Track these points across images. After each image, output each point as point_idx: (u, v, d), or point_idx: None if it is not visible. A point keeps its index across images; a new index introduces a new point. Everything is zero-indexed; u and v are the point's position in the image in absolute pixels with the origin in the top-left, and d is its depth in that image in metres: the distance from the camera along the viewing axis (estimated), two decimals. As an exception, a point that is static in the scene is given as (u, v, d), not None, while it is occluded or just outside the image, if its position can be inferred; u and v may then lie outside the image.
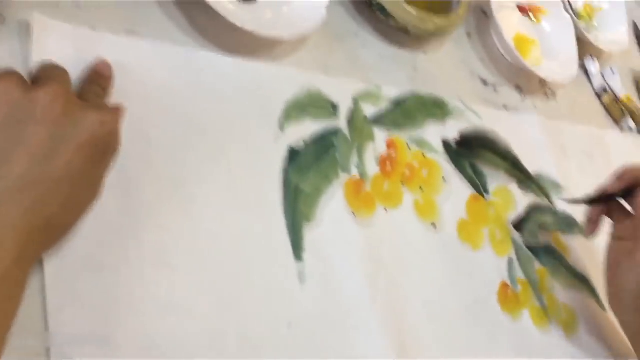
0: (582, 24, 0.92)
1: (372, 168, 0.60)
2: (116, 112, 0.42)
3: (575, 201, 0.66)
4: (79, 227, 0.41)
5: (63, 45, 0.45)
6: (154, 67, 0.50)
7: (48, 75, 0.40)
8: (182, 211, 0.46)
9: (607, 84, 0.96)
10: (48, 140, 0.36)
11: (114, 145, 0.41)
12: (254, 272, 0.48)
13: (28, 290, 0.38)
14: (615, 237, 0.62)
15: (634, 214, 0.60)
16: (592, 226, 0.63)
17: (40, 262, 0.39)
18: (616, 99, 0.95)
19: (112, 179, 0.43)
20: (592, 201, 0.64)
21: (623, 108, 0.95)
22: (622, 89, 0.97)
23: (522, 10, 0.86)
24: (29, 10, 0.44)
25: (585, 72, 0.95)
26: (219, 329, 0.45)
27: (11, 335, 0.35)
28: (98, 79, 0.44)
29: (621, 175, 0.61)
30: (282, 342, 0.47)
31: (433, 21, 0.68)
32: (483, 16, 0.82)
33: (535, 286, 0.67)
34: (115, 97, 0.45)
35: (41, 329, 0.38)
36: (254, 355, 0.45)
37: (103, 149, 0.40)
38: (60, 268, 0.40)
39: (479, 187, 0.68)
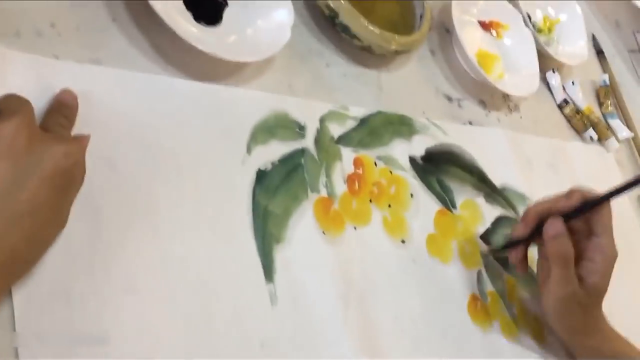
0: (542, 38, 0.94)
1: (340, 187, 0.60)
2: (81, 142, 0.42)
3: (492, 252, 0.68)
4: (46, 258, 0.41)
5: (25, 75, 0.45)
6: (118, 94, 0.50)
7: (10, 107, 0.39)
8: (150, 237, 0.46)
9: (569, 96, 0.98)
10: (10, 174, 0.36)
11: (79, 176, 0.41)
12: (225, 295, 0.48)
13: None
14: (538, 261, 0.65)
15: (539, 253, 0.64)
16: (520, 266, 0.65)
17: (9, 294, 0.39)
18: (578, 111, 0.97)
19: (78, 208, 0.43)
20: (508, 247, 0.66)
21: (585, 119, 0.97)
22: (583, 100, 0.99)
23: (484, 26, 0.88)
24: (-11, 41, 0.44)
25: (547, 85, 0.97)
26: (190, 351, 0.45)
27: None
28: (62, 108, 0.44)
29: (526, 219, 0.63)
30: (254, 363, 0.47)
31: (397, 40, 0.69)
32: (446, 33, 0.84)
33: (504, 297, 0.68)
34: (79, 125, 0.45)
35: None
36: (226, 378, 0.45)
37: (68, 180, 0.40)
38: (29, 300, 0.39)
39: (447, 201, 0.69)
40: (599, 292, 0.61)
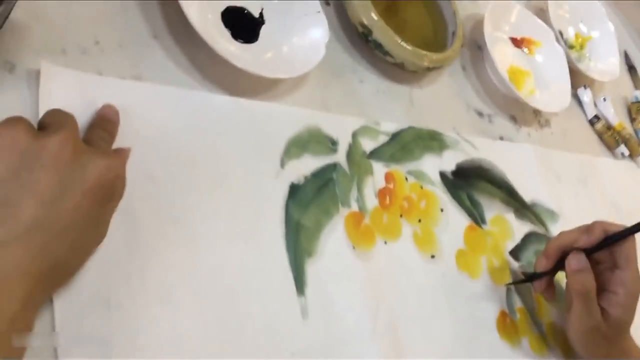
0: (574, 54, 0.94)
1: (372, 201, 0.61)
2: (122, 155, 0.44)
3: (517, 282, 0.68)
4: (86, 268, 0.42)
5: (70, 91, 0.46)
6: (157, 109, 0.51)
7: (56, 121, 0.40)
8: (185, 248, 0.48)
9: (600, 112, 0.98)
10: (56, 185, 0.37)
11: (120, 189, 0.42)
12: (257, 307, 0.49)
13: (40, 328, 0.39)
14: (565, 288, 0.65)
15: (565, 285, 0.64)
16: (546, 295, 0.66)
17: (50, 301, 0.40)
18: (609, 127, 0.97)
19: (117, 219, 0.44)
20: (530, 279, 0.66)
21: (616, 135, 0.96)
22: (614, 116, 0.98)
23: (516, 42, 0.88)
24: (37, 58, 0.45)
25: (578, 101, 0.97)
26: (223, 363, 0.45)
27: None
28: (104, 123, 0.45)
29: (547, 253, 0.63)
30: (285, 375, 0.48)
31: (429, 57, 0.69)
32: (477, 49, 0.84)
33: (534, 313, 0.68)
34: (120, 139, 0.47)
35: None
36: (258, 388, 0.46)
37: (110, 193, 0.41)
38: (69, 307, 0.41)
39: (476, 217, 0.70)
40: (622, 324, 0.61)
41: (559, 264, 0.62)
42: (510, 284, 0.67)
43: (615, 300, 0.60)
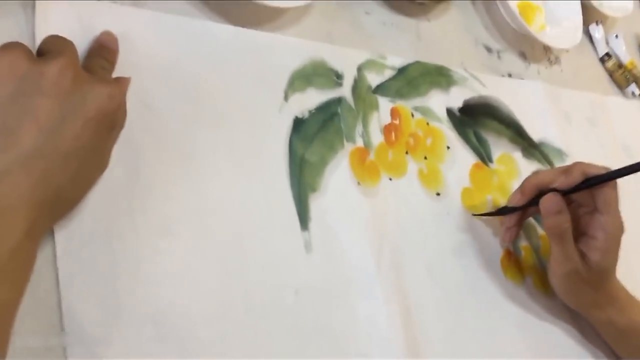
0: (586, -11, 0.91)
1: (377, 137, 0.60)
2: (122, 84, 0.43)
3: (486, 214, 0.65)
4: (87, 199, 0.41)
5: (67, 17, 0.45)
6: (158, 38, 0.50)
7: (55, 47, 0.39)
8: (187, 181, 0.47)
9: (611, 49, 0.96)
10: (56, 113, 0.36)
11: (121, 119, 0.42)
12: (260, 242, 0.49)
13: (40, 260, 0.38)
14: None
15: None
16: (508, 234, 0.64)
17: (51, 233, 0.40)
18: (620, 65, 0.95)
19: (118, 151, 0.43)
20: (502, 213, 0.64)
21: (627, 74, 0.94)
22: (626, 54, 0.96)
23: (527, -25, 0.85)
24: (32, -17, 0.44)
25: (590, 38, 0.94)
26: (225, 297, 0.45)
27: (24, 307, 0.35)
28: (104, 51, 0.44)
29: (523, 189, 0.61)
30: (288, 310, 0.48)
31: (437, -12, 0.67)
32: (487, -18, 0.82)
33: (539, 252, 0.68)
34: (119, 68, 0.45)
35: (54, 300, 0.39)
36: (260, 322, 0.46)
37: (111, 122, 0.40)
38: (71, 239, 0.40)
39: (483, 155, 0.68)
40: (603, 269, 0.59)
41: (533, 202, 0.60)
42: (478, 214, 0.65)
43: (594, 244, 0.58)
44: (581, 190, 0.58)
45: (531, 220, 0.69)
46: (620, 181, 0.58)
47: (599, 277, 0.60)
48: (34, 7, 0.43)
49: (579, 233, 0.59)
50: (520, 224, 0.64)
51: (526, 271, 0.65)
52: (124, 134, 0.44)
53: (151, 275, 0.43)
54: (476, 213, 0.65)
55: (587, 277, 0.59)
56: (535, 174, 0.63)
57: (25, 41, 0.41)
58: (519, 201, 0.62)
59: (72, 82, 0.37)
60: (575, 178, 0.58)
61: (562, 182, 0.58)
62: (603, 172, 0.57)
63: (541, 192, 0.59)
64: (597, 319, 0.63)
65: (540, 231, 0.69)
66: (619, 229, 0.59)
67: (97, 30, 0.45)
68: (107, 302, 0.40)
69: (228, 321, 0.45)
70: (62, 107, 0.36)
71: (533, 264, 0.66)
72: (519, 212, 0.63)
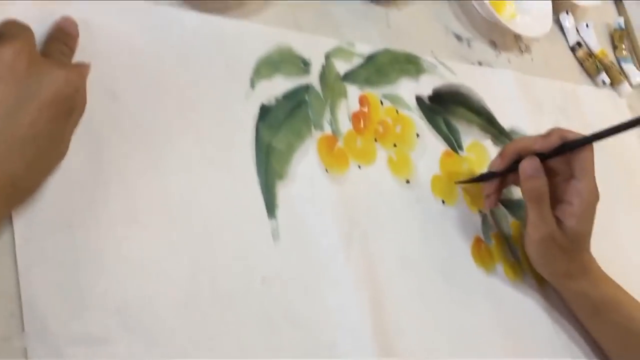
0: (557, -22, 0.92)
1: (345, 125, 0.60)
2: (82, 69, 0.42)
3: (467, 181, 0.66)
4: (47, 186, 0.41)
5: (26, 3, 0.44)
6: (121, 25, 0.49)
7: (10, 31, 0.39)
8: (151, 169, 0.46)
9: (582, 38, 0.96)
10: (11, 98, 0.36)
11: (79, 104, 0.41)
12: (227, 230, 0.48)
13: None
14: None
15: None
16: (489, 201, 0.65)
17: (9, 221, 0.39)
18: (591, 54, 0.95)
19: (79, 138, 0.43)
20: (482, 179, 0.65)
21: (598, 63, 0.95)
22: (597, 44, 0.97)
23: (497, -36, 0.85)
24: (-13, -33, 0.43)
25: (560, 27, 0.95)
26: (191, 285, 0.45)
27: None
28: (63, 36, 0.43)
29: (503, 154, 0.63)
30: (256, 298, 0.47)
31: (406, -24, 0.67)
32: (457, -29, 0.82)
33: (509, 240, 0.68)
34: (81, 55, 0.45)
35: (12, 291, 0.38)
36: (227, 311, 0.46)
37: (68, 107, 0.39)
38: (30, 227, 0.40)
39: (453, 143, 0.69)
40: (579, 236, 0.60)
41: (513, 167, 0.61)
42: (460, 182, 0.66)
43: (570, 210, 0.59)
44: (559, 155, 0.59)
45: (502, 208, 0.69)
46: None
47: (574, 243, 0.61)
48: (-10, -8, 0.43)
49: (556, 201, 0.60)
50: (500, 191, 0.65)
51: (497, 259, 0.65)
52: (85, 122, 0.43)
53: (115, 264, 0.42)
54: (457, 181, 0.66)
55: (562, 244, 0.60)
56: (515, 140, 0.64)
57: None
58: (498, 166, 0.63)
59: (27, 66, 0.37)
60: (554, 141, 0.59)
61: (540, 145, 0.59)
62: (580, 137, 0.58)
63: (520, 158, 0.60)
64: (571, 291, 0.64)
65: (511, 219, 0.70)
66: (594, 195, 0.59)
67: (56, 16, 0.45)
68: (69, 293, 0.40)
69: (195, 310, 0.44)
70: (17, 92, 0.36)
71: (504, 251, 0.66)
72: (498, 179, 0.64)
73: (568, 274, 0.62)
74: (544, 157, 0.59)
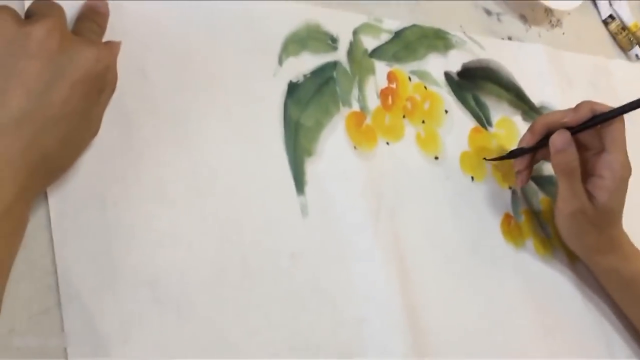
0: (589, -50, 0.90)
1: (373, 101, 0.59)
2: (112, 47, 0.42)
3: (497, 159, 0.66)
4: (80, 163, 0.42)
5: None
6: (148, 4, 0.49)
7: (42, 11, 0.39)
8: (181, 146, 0.47)
9: (615, 11, 0.94)
10: (44, 75, 0.36)
11: (111, 82, 0.41)
12: (256, 206, 0.49)
13: (34, 224, 0.39)
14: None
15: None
16: (520, 177, 0.64)
17: (45, 198, 0.40)
18: (624, 27, 0.93)
19: (110, 116, 0.43)
20: (512, 156, 0.64)
21: (631, 36, 0.93)
22: (630, 17, 0.95)
23: (527, -63, 0.84)
24: (19, -54, 0.43)
25: (592, 0, 0.93)
26: (221, 261, 0.46)
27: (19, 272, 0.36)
28: (93, 15, 0.44)
29: (533, 129, 0.62)
30: (284, 273, 0.48)
31: (434, -51, 0.66)
32: (487, -57, 0.80)
33: (539, 216, 0.67)
34: (112, 34, 0.45)
35: (49, 264, 0.39)
36: (256, 286, 0.46)
37: (99, 85, 0.40)
38: (64, 203, 0.41)
39: (482, 119, 0.68)
40: (610, 210, 0.60)
41: (543, 142, 0.61)
42: (490, 159, 0.66)
43: (601, 184, 0.59)
44: (589, 128, 0.58)
45: (532, 184, 0.69)
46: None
47: (605, 218, 0.60)
48: (23, -27, 0.43)
49: (587, 175, 0.60)
50: (531, 167, 0.64)
51: (526, 235, 0.65)
52: (116, 99, 0.44)
53: (146, 239, 0.43)
54: (487, 158, 0.65)
55: (594, 218, 0.59)
56: (545, 114, 0.63)
57: (15, 7, 0.41)
58: (529, 141, 0.62)
59: (59, 43, 0.37)
60: (584, 114, 0.58)
61: (571, 118, 0.58)
62: (610, 109, 0.57)
63: (550, 133, 0.59)
64: (602, 267, 0.63)
65: (541, 195, 0.69)
66: (626, 168, 0.59)
67: (87, -5, 0.45)
68: (102, 266, 0.41)
69: (224, 285, 0.45)
70: (49, 69, 0.36)
71: (533, 228, 0.66)
72: (529, 155, 0.63)
73: (598, 249, 0.62)
74: (574, 130, 0.58)
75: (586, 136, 0.59)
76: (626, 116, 0.57)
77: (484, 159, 0.65)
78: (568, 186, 0.58)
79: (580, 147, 0.59)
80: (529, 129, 0.62)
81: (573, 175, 0.58)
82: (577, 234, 0.62)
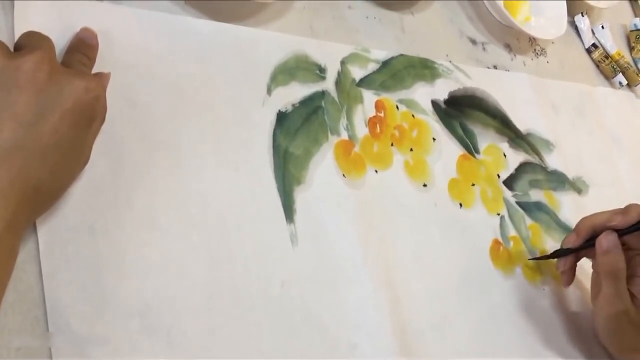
0: (571, -20, 0.92)
1: (362, 130, 0.60)
2: (101, 78, 0.43)
3: (541, 258, 0.66)
4: (70, 193, 0.41)
5: (46, 14, 0.45)
6: (138, 34, 0.50)
7: (31, 42, 0.39)
8: (172, 175, 0.47)
9: (598, 40, 0.96)
10: (33, 106, 0.36)
11: (100, 112, 0.42)
12: (246, 234, 0.49)
13: (23, 255, 0.38)
14: (592, 275, 0.64)
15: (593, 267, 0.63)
16: (565, 277, 0.65)
17: (33, 228, 0.40)
18: (607, 55, 0.95)
19: (101, 145, 0.43)
20: (557, 255, 0.65)
21: (614, 64, 0.95)
22: (613, 45, 0.97)
23: (511, -32, 0.85)
24: (10, -20, 0.44)
25: (576, 29, 0.95)
26: (211, 289, 0.45)
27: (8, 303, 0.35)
28: (83, 47, 0.44)
29: (579, 230, 0.62)
30: (275, 300, 0.48)
31: (419, -19, 0.67)
32: (471, -25, 0.82)
33: (527, 242, 0.68)
34: (100, 64, 0.45)
35: (38, 296, 0.39)
36: (247, 314, 0.46)
37: (89, 115, 0.40)
38: (53, 233, 0.40)
39: (469, 146, 0.69)
40: None
41: (587, 243, 0.61)
42: (533, 259, 0.67)
43: None
44: (636, 231, 0.59)
45: (519, 210, 0.69)
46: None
47: None
48: (12, 6, 0.44)
49: (629, 275, 0.60)
50: (575, 267, 0.64)
51: (515, 261, 0.65)
52: (106, 129, 0.44)
53: (137, 268, 0.43)
54: (532, 257, 0.66)
55: (635, 319, 0.59)
56: (590, 215, 0.63)
57: (4, 39, 0.42)
58: (574, 242, 0.62)
59: (48, 75, 0.37)
60: (633, 217, 0.58)
61: (619, 222, 0.59)
62: None
63: (595, 233, 0.60)
64: None
65: (529, 221, 0.70)
66: None
67: (76, 26, 0.45)
68: (92, 297, 0.41)
69: (215, 313, 0.45)
70: (39, 101, 0.37)
71: (522, 253, 0.66)
72: (573, 255, 0.63)
73: (635, 348, 0.62)
74: (620, 233, 0.59)
75: (631, 237, 0.60)
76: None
77: (529, 259, 0.66)
78: (613, 287, 0.58)
79: (623, 246, 0.59)
80: (575, 230, 0.63)
81: (618, 277, 0.58)
82: (617, 333, 0.61)
